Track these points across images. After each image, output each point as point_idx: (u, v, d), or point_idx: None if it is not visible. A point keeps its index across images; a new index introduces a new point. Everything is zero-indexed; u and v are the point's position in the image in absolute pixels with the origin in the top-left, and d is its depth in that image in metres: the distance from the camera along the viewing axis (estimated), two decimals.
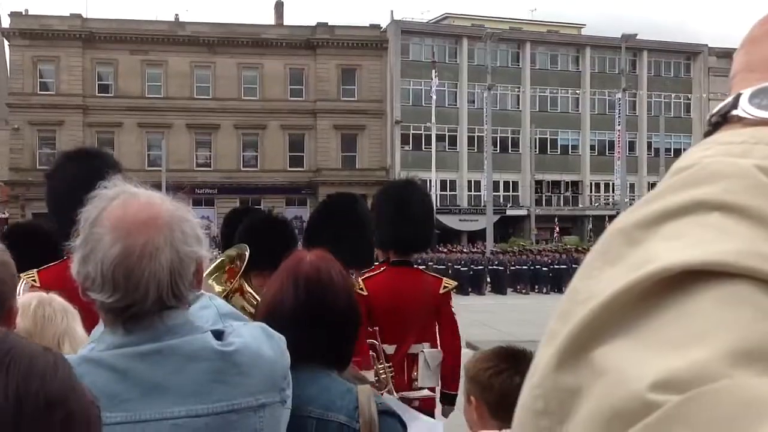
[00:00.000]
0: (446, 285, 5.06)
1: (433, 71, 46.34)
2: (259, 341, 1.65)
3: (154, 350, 1.54)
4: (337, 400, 1.99)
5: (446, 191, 49.94)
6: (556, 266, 33.93)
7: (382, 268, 4.94)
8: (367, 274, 4.84)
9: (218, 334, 1.63)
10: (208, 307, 1.78)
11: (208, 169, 49.08)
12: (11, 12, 49.26)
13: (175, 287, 1.52)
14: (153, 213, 1.53)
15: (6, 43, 50.45)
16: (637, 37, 46.24)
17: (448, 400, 5.14)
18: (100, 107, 47.72)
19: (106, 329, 1.59)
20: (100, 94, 48.37)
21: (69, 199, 3.43)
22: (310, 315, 2.04)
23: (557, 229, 47.24)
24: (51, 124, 47.11)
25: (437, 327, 5.06)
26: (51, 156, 47.35)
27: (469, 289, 32.55)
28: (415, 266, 5.32)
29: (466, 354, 14.71)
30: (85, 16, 48.88)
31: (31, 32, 47.17)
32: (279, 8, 55.68)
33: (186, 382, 1.54)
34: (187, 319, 1.59)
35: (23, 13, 48.82)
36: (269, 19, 55.45)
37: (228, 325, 1.72)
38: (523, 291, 33.45)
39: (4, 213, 52.40)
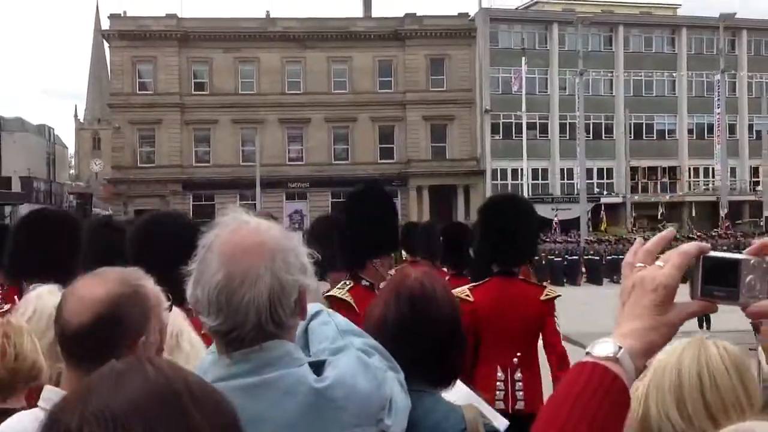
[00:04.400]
0: (548, 293, 4.95)
1: (523, 59, 45.67)
2: (355, 373, 1.66)
3: (253, 384, 1.58)
4: (442, 422, 1.96)
5: (538, 180, 49.28)
6: None
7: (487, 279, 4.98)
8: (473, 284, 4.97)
9: (318, 365, 1.66)
10: (328, 323, 1.80)
11: (300, 163, 49.77)
12: (110, 14, 51.15)
13: (274, 313, 1.56)
14: (258, 240, 1.58)
15: (106, 45, 52.39)
16: (736, 16, 44.49)
17: None
18: (197, 105, 48.99)
19: (214, 359, 1.66)
20: (196, 92, 49.64)
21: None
22: (414, 330, 2.02)
23: (662, 212, 45.81)
24: (150, 122, 48.64)
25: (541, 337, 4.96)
26: (151, 154, 49.12)
27: (564, 280, 32.05)
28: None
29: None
30: (180, 16, 50.19)
31: (129, 33, 48.70)
32: (367, 0, 55.90)
33: (282, 416, 1.58)
34: (287, 351, 1.61)
35: (122, 15, 50.49)
36: (358, 11, 55.78)
37: (344, 344, 1.74)
38: (619, 281, 32.51)
39: (108, 210, 54.54)
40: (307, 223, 48.83)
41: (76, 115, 76.53)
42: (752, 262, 1.05)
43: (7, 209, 39.90)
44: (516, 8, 56.05)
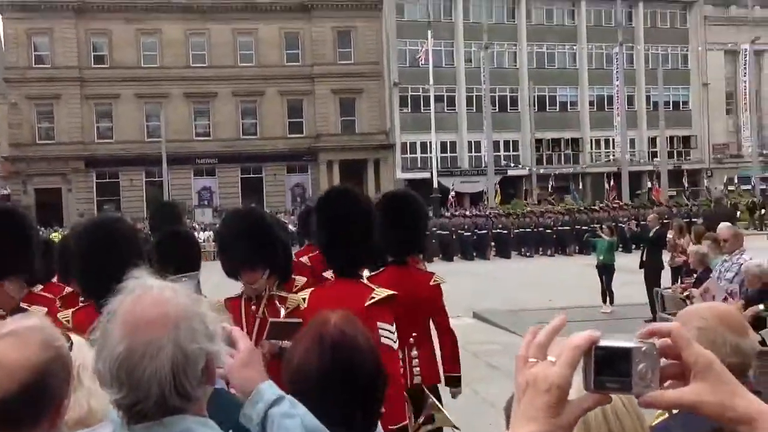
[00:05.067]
0: (435, 279, 5.38)
1: (429, 32, 45.76)
2: None
3: None
4: None
5: (447, 153, 49.89)
6: (559, 227, 33.55)
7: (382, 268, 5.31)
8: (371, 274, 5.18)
9: None
10: (292, 417, 1.75)
11: (208, 138, 48.91)
12: None
13: (179, 385, 1.53)
14: (161, 311, 1.55)
15: None
16: None
17: (453, 383, 5.41)
18: (97, 79, 47.36)
19: (116, 430, 1.63)
20: (96, 66, 47.99)
21: (91, 263, 3.72)
22: (336, 379, 2.01)
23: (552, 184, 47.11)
24: (48, 97, 46.85)
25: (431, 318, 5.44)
26: (50, 131, 47.33)
27: (474, 254, 32.58)
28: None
29: (471, 325, 14.90)
30: None
31: (23, 4, 46.54)
32: None
33: None
34: (187, 427, 1.58)
35: None
36: None
37: None
38: (528, 254, 33.10)
39: (5, 189, 52.27)
40: (216, 201, 48.42)
41: None
42: (644, 349, 1.03)
43: None
44: None
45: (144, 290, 1.58)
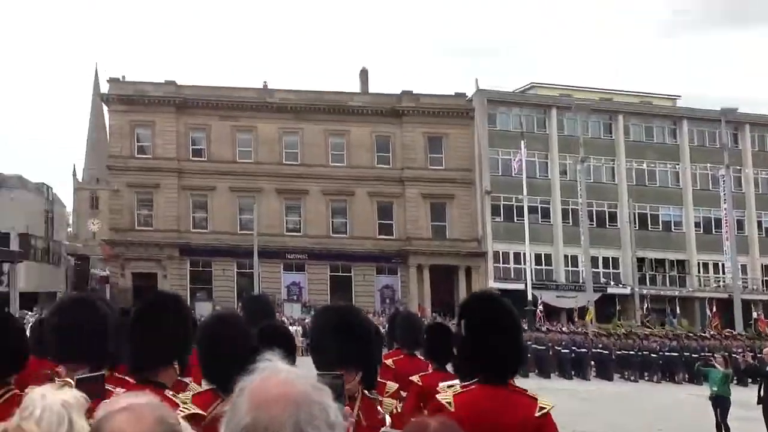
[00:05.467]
0: (543, 406, 4.00)
1: (522, 142, 45.64)
2: None
3: None
4: None
5: (542, 265, 48.84)
6: (666, 353, 31.98)
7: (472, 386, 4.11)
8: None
9: None
10: None
11: (298, 234, 49.24)
12: (110, 78, 51.18)
13: None
14: (286, 391, 1.61)
15: (105, 108, 51.99)
16: (738, 111, 45.01)
17: None
18: (195, 171, 48.64)
19: None
20: (194, 158, 49.29)
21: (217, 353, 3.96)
22: None
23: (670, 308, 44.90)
24: (148, 186, 48.18)
25: None
26: (148, 217, 48.33)
27: (573, 373, 31.33)
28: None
29: None
30: (178, 83, 50.08)
31: (128, 98, 48.61)
32: (364, 76, 56.30)
33: None
34: None
35: (121, 80, 50.40)
36: (355, 86, 55.92)
37: None
38: (632, 378, 31.51)
39: (105, 271, 53.62)
40: (305, 296, 48.25)
41: (74, 174, 76.14)
42: None
43: (6, 266, 39.31)
44: (513, 91, 56.16)
45: (273, 371, 1.66)
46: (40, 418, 2.46)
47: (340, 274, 48.93)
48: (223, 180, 48.47)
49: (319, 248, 48.20)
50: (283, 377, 1.66)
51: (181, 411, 3.37)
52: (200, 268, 48.30)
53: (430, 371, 6.27)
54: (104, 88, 52.06)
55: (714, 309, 40.49)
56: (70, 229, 67.72)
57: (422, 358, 7.02)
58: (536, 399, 4.10)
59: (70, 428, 2.46)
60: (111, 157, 49.47)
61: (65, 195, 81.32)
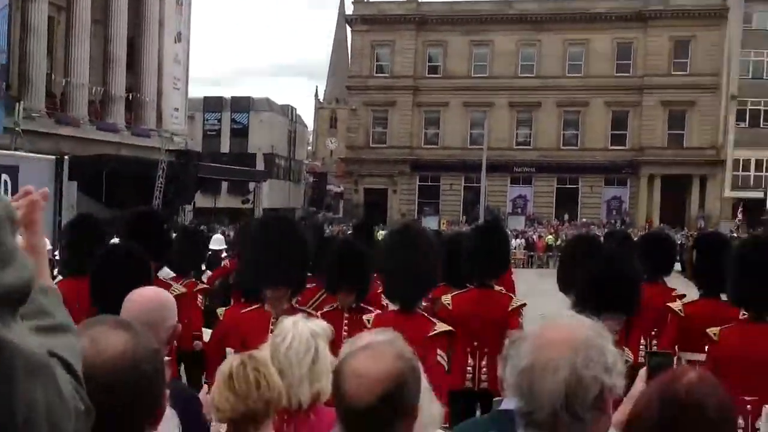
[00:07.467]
0: (514, 303, 6.04)
1: None
2: None
3: None
4: None
5: None
6: None
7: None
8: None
9: None
10: None
11: (528, 147, 49.33)
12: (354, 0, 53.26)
13: (569, 406, 1.63)
14: (566, 336, 1.70)
15: (348, 29, 54.87)
16: None
17: None
18: (429, 88, 50.08)
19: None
20: (429, 75, 50.67)
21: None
22: None
23: None
24: (384, 104, 50.47)
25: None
26: (383, 135, 51.04)
27: None
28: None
29: None
30: (419, 0, 51.16)
31: (370, 17, 50.61)
32: None
33: None
34: None
35: (365, 1, 52.36)
36: None
37: None
38: None
39: (339, 187, 57.49)
40: (530, 209, 48.66)
41: (316, 95, 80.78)
42: None
43: (251, 185, 42.47)
44: None
45: (556, 319, 1.79)
46: (290, 345, 2.69)
47: (567, 186, 48.52)
48: (457, 95, 49.48)
49: (548, 161, 48.01)
50: (566, 323, 1.76)
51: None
52: (429, 183, 50.11)
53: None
54: (349, 9, 54.69)
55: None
56: (309, 148, 72.59)
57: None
58: (512, 297, 6.31)
59: (316, 356, 2.68)
60: (351, 77, 52.45)
61: (307, 115, 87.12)
